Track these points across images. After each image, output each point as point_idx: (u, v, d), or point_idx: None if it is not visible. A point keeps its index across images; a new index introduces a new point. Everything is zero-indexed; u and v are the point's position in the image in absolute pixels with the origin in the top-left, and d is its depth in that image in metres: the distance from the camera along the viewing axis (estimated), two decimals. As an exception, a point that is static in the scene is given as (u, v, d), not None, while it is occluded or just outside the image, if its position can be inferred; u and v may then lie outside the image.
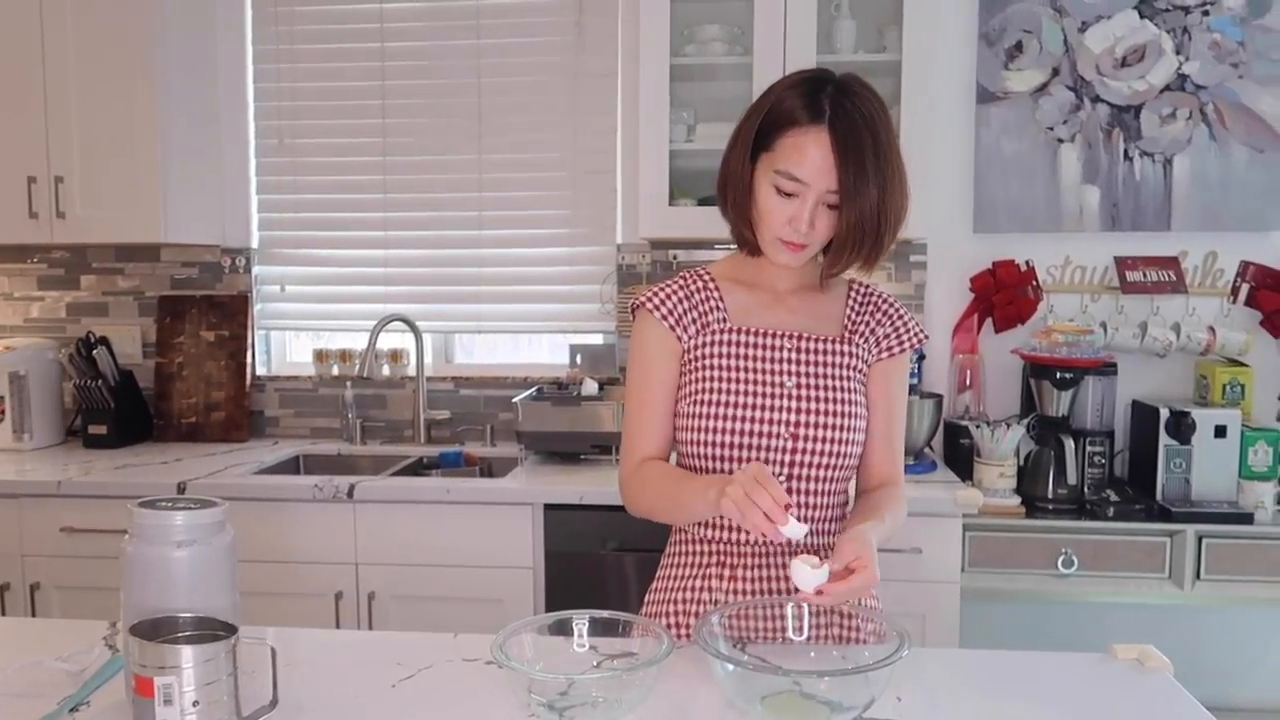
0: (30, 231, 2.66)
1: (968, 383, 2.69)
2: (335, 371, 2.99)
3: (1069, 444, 2.43)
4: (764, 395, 1.31)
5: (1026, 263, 2.68)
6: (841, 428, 1.31)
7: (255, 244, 3.00)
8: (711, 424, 1.31)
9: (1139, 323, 2.64)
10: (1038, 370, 2.53)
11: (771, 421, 1.30)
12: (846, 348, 1.35)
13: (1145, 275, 2.65)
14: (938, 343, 2.77)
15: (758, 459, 1.30)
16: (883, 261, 1.32)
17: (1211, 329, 2.61)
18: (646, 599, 1.45)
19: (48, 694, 1.11)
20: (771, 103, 1.27)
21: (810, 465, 1.31)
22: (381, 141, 2.92)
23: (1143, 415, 2.57)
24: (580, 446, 2.54)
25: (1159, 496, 2.45)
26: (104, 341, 2.86)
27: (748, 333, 1.34)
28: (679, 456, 1.39)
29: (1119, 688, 1.17)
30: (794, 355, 1.33)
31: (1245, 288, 2.64)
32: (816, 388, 1.32)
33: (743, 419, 1.30)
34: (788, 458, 1.30)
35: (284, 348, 3.14)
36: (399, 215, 2.94)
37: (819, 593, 1.11)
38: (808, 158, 1.22)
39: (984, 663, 1.26)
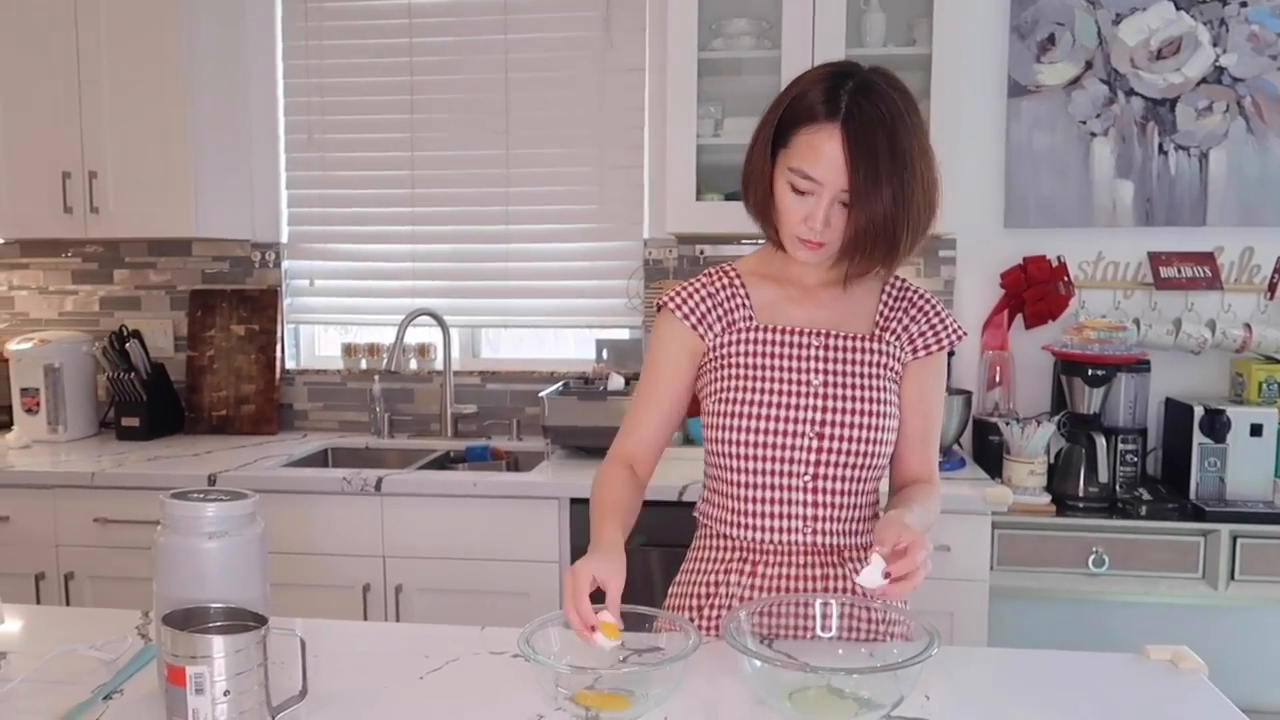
0: (64, 226, 2.69)
1: (997, 379, 2.66)
2: (363, 365, 3.01)
3: (1100, 441, 2.40)
4: (789, 394, 1.30)
5: (1058, 258, 2.65)
6: (869, 427, 1.29)
7: (285, 239, 3.02)
8: (736, 423, 1.30)
9: (1173, 319, 2.60)
10: (1069, 367, 2.50)
11: (796, 421, 1.29)
12: (877, 345, 1.33)
13: (1180, 271, 2.61)
14: (967, 339, 2.73)
15: (782, 457, 1.29)
16: (907, 261, 1.29)
17: (1248, 326, 2.56)
18: (670, 591, 1.45)
19: (82, 682, 1.12)
20: (792, 97, 1.24)
21: (836, 465, 1.29)
22: (409, 137, 2.93)
23: (1176, 413, 2.54)
24: (606, 441, 2.47)
25: (1193, 495, 2.41)
26: (136, 335, 2.90)
27: (773, 330, 1.33)
28: (706, 454, 1.39)
29: (1152, 689, 1.15)
30: (821, 353, 1.32)
31: (1283, 284, 2.59)
32: (843, 386, 1.30)
33: (767, 418, 1.29)
34: (813, 457, 1.29)
35: (313, 342, 3.16)
36: (426, 210, 2.95)
37: (888, 576, 1.10)
38: (821, 156, 1.19)
39: (1013, 662, 1.24)
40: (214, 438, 2.89)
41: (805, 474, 1.30)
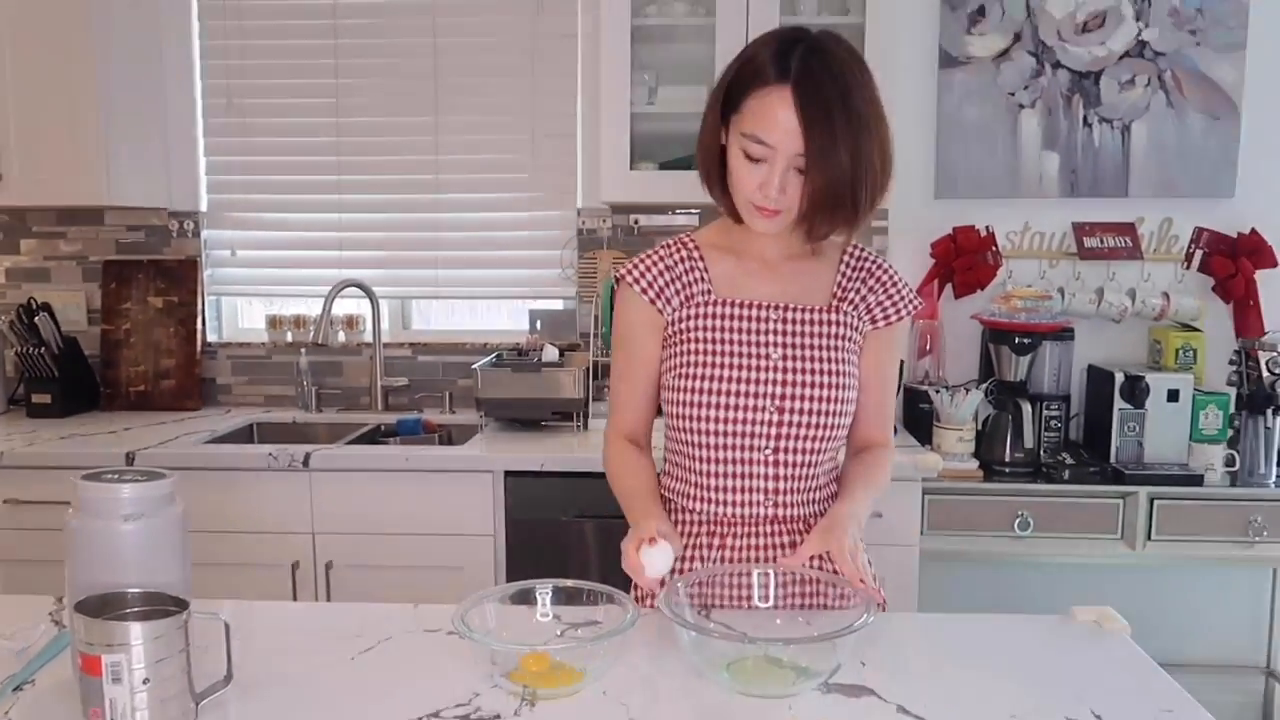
0: (-35, 193, 2.55)
1: (928, 348, 2.70)
2: (289, 338, 2.94)
3: (1026, 408, 2.46)
4: (748, 368, 1.29)
5: (986, 228, 2.69)
6: (828, 399, 1.29)
7: (204, 207, 2.92)
8: (696, 398, 1.29)
9: (1096, 288, 2.66)
10: (997, 335, 2.54)
11: (757, 395, 1.28)
12: (835, 317, 1.33)
13: (1102, 241, 2.68)
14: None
15: (743, 431, 1.29)
16: (864, 226, 1.28)
17: (1166, 295, 2.64)
18: None
19: (-10, 672, 1.07)
20: (742, 61, 1.22)
21: (797, 438, 1.29)
22: (335, 102, 2.85)
23: (1098, 380, 2.61)
24: (541, 413, 2.52)
25: (1113, 459, 2.48)
26: (46, 308, 2.77)
27: (732, 304, 1.32)
28: (667, 428, 1.38)
29: (1079, 650, 1.18)
30: (780, 326, 1.31)
31: (1199, 254, 2.67)
32: (802, 359, 1.29)
33: (727, 392, 1.28)
34: (774, 430, 1.29)
35: (236, 314, 3.07)
36: (353, 178, 2.87)
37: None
38: (773, 120, 1.17)
39: (945, 626, 1.26)
40: (132, 414, 2.79)
41: (766, 447, 1.30)
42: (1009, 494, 2.38)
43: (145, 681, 0.91)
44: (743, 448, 1.29)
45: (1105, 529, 2.37)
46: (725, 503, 1.32)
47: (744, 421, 1.28)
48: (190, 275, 2.88)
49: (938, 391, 2.47)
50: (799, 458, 1.30)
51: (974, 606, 2.46)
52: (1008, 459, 2.47)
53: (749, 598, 1.24)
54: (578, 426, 2.53)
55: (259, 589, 2.28)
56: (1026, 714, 1.00)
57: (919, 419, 2.58)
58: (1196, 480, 2.38)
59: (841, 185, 1.18)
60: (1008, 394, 2.51)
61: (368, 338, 2.90)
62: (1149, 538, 2.36)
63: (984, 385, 2.52)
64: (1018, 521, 2.36)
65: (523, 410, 2.51)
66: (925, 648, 1.19)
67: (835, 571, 1.20)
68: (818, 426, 1.29)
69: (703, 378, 1.29)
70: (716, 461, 1.31)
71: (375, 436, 2.67)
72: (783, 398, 1.28)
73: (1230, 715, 2.67)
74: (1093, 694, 1.05)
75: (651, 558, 1.16)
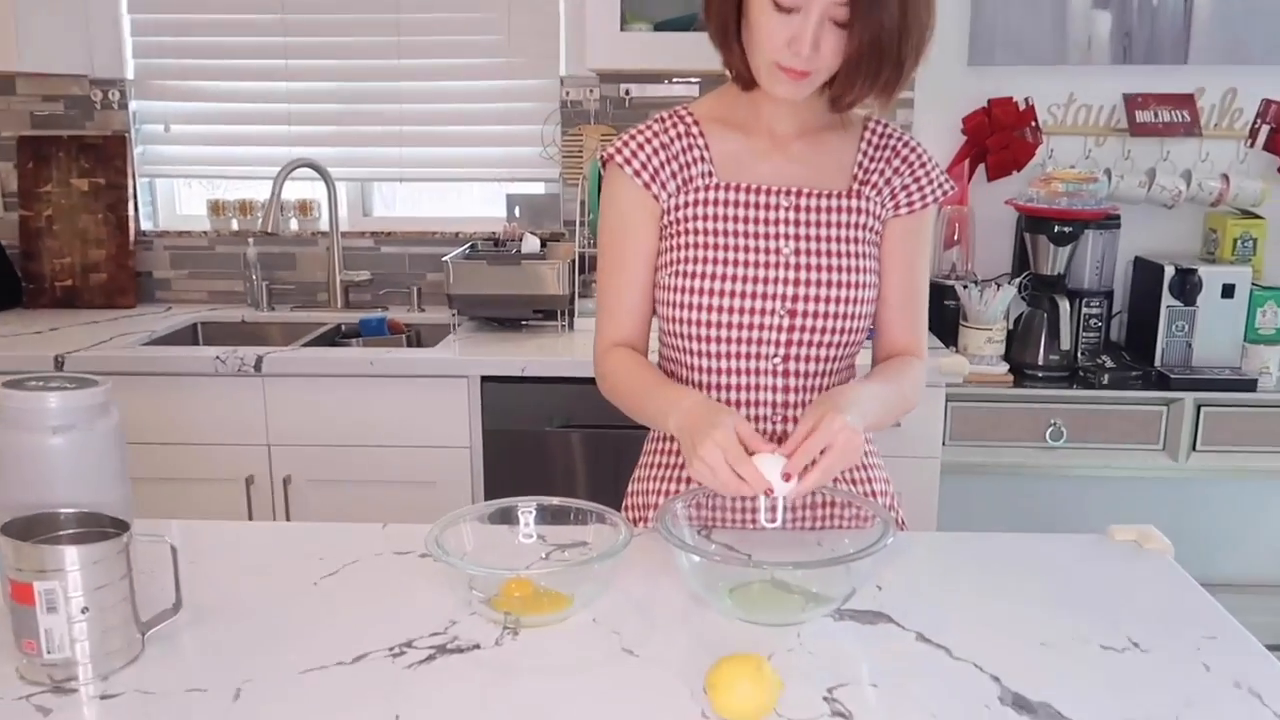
0: None
1: (955, 237, 2.68)
2: (234, 226, 2.91)
3: (1064, 305, 2.45)
4: (755, 264, 1.26)
5: (1026, 100, 2.64)
6: (847, 300, 1.26)
7: (130, 74, 2.84)
8: (694, 299, 1.26)
9: (1147, 170, 2.63)
10: (1033, 223, 2.52)
11: (765, 296, 1.25)
12: (856, 203, 1.29)
13: (1156, 115, 2.63)
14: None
15: (750, 338, 1.27)
16: (902, 93, 1.22)
17: (1225, 177, 2.61)
18: (629, 490, 1.44)
19: (-87, 600, 1.08)
20: None
21: (811, 344, 1.27)
22: (277, -50, 2.75)
23: (1145, 273, 2.59)
24: (521, 311, 2.50)
25: (1157, 362, 2.49)
26: (-44, 191, 2.72)
27: (737, 189, 1.28)
28: (660, 333, 1.36)
29: (1115, 571, 1.19)
30: (792, 215, 1.27)
31: (1265, 130, 2.63)
32: (817, 253, 1.26)
33: (730, 293, 1.25)
34: (784, 336, 1.27)
35: (173, 199, 3.02)
36: (304, 41, 2.79)
37: (786, 479, 1.07)
38: None
39: (969, 546, 1.27)
40: (59, 312, 2.77)
41: (775, 355, 1.28)
42: (1041, 400, 2.39)
43: (84, 610, 0.91)
44: (749, 356, 1.28)
45: (1146, 439, 2.40)
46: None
47: (750, 326, 1.26)
48: (118, 153, 2.82)
49: (965, 287, 2.46)
50: (813, 366, 1.29)
51: (1001, 525, 2.51)
52: (1041, 362, 2.48)
53: (754, 517, 1.24)
54: (562, 326, 2.52)
55: (209, 507, 2.30)
56: (1058, 641, 1.02)
57: (944, 317, 2.57)
58: (1249, 385, 2.40)
59: (889, 40, 1.12)
60: (1043, 290, 2.50)
61: (324, 226, 2.87)
62: (1194, 448, 2.39)
63: (1017, 280, 2.51)
64: (1050, 431, 2.38)
65: (500, 308, 2.50)
66: (947, 570, 1.20)
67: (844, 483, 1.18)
68: (834, 331, 1.27)
69: (701, 275, 1.26)
70: (718, 373, 1.29)
71: (335, 338, 2.67)
72: (795, 299, 1.26)
73: (1278, 637, 2.75)
74: (1130, 619, 1.06)
75: (766, 466, 1.07)
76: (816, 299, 1.26)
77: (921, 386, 1.33)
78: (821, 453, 1.08)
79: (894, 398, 1.26)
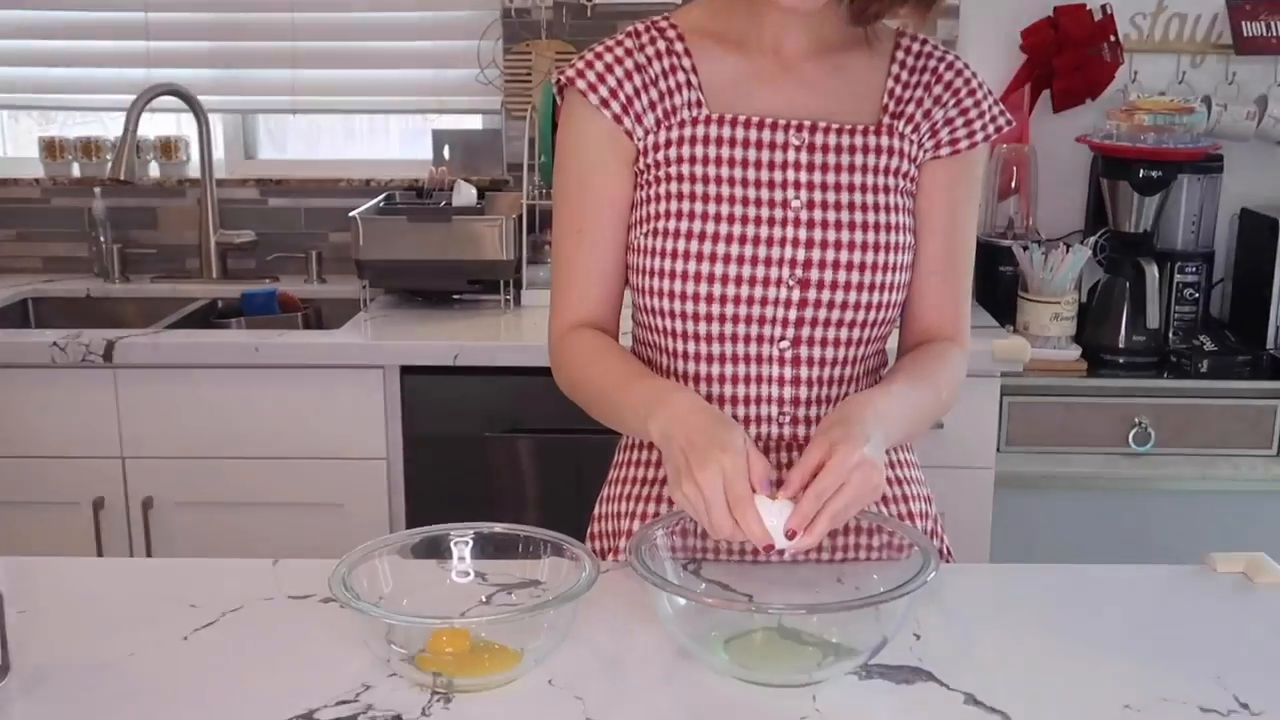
0: None
1: (1013, 185, 2.69)
2: (76, 172, 2.90)
3: (1151, 272, 2.47)
4: (758, 221, 1.25)
5: (1103, 8, 2.65)
6: (874, 266, 1.26)
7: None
8: (677, 266, 1.26)
9: (1257, 97, 2.65)
10: (1112, 166, 2.53)
11: (769, 262, 1.25)
12: (885, 141, 1.29)
13: (1270, 28, 2.65)
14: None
15: (749, 316, 1.26)
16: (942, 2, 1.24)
17: (1357, 106, 2.64)
18: (594, 513, 1.44)
19: None
20: None
21: (829, 324, 1.27)
22: None
23: (1255, 230, 2.62)
24: (453, 282, 2.50)
25: (1270, 344, 2.52)
26: None
27: (733, 124, 1.27)
28: (634, 310, 1.36)
29: (1218, 612, 1.20)
30: (804, 157, 1.27)
31: (1407, 46, 2.66)
32: (837, 206, 1.26)
33: (725, 258, 1.25)
34: (794, 314, 1.27)
35: (-6, 136, 3.01)
36: (162, -71, 2.78)
37: (790, 535, 1.05)
38: None
39: (1031, 581, 1.28)
40: None
41: (782, 340, 1.28)
42: (1122, 394, 2.41)
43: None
44: (747, 339, 1.28)
45: (1256, 442, 2.42)
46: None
47: (750, 301, 1.26)
48: (-79, 78, 2.80)
49: (1025, 248, 2.47)
50: (830, 354, 1.29)
51: (1071, 554, 2.52)
52: (1122, 345, 2.49)
53: (755, 546, 1.25)
54: (506, 302, 2.52)
55: (48, 538, 2.29)
56: (1146, 703, 1.02)
57: (998, 287, 2.59)
58: (1387, 373, 2.43)
59: None
60: (1125, 251, 2.52)
61: (194, 172, 2.87)
62: (1318, 454, 2.42)
63: (1092, 239, 2.52)
64: (1134, 433, 2.40)
65: (426, 278, 2.50)
66: (1003, 613, 1.20)
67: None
68: (859, 307, 1.27)
69: (686, 235, 1.26)
70: (709, 360, 1.29)
71: (209, 318, 2.66)
72: (807, 265, 1.26)
73: None
74: (1237, 673, 1.07)
75: (767, 512, 1.06)
76: (835, 265, 1.26)
77: (960, 383, 1.34)
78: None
79: (927, 404, 1.27)
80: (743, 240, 1.25)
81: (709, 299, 1.26)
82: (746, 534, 1.06)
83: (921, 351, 1.33)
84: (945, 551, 1.44)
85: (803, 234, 1.26)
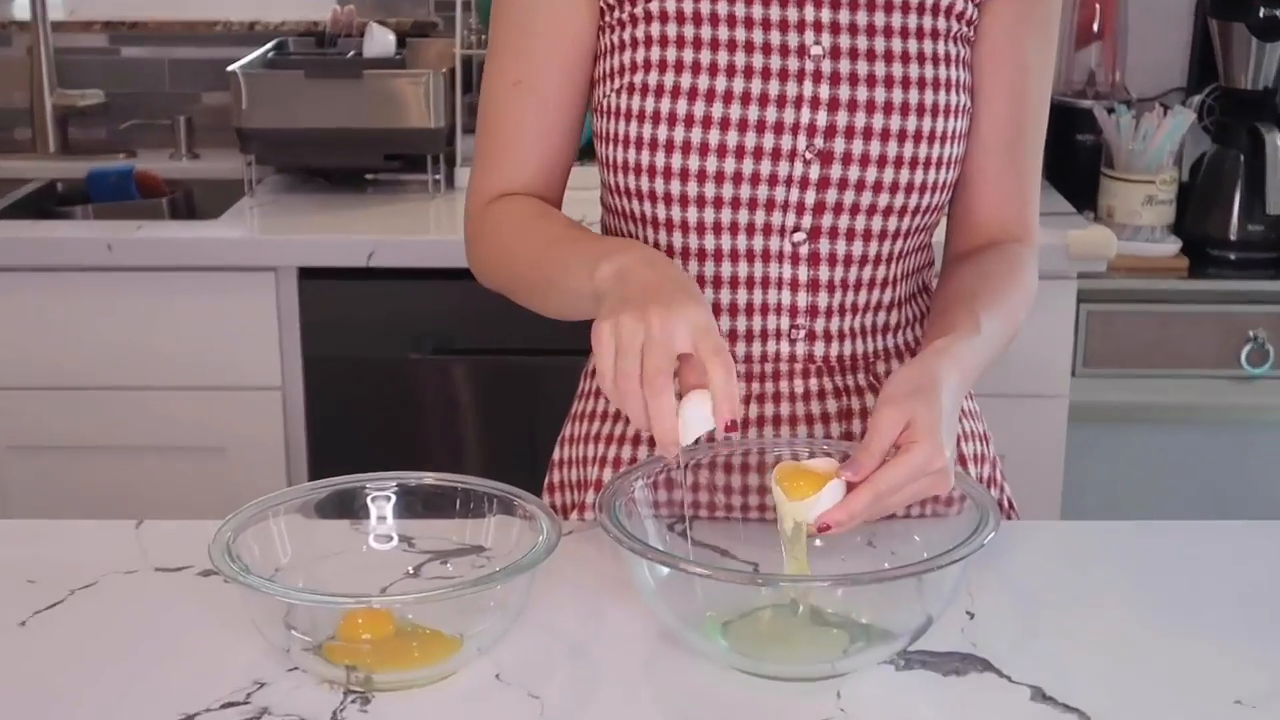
0: None
1: (1096, 29, 2.68)
2: None
3: (1273, 142, 2.46)
4: (765, 75, 1.25)
5: None
6: (918, 136, 1.26)
7: None
8: (658, 133, 1.26)
9: None
10: (1223, 5, 2.53)
11: (780, 128, 1.25)
12: None
13: None
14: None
15: (752, 199, 1.26)
16: None
17: None
18: (553, 458, 1.45)
19: None
20: None
21: (856, 211, 1.27)
22: None
23: (1406, 87, 2.62)
24: (365, 158, 2.50)
25: None
26: None
27: None
28: (604, 193, 1.36)
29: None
30: None
31: None
32: (869, 56, 1.26)
33: (721, 123, 1.25)
34: (811, 197, 1.27)
35: None
36: None
37: (823, 528, 1.04)
38: None
39: (1114, 542, 1.30)
40: None
41: (795, 230, 1.28)
42: (1234, 299, 2.43)
43: None
44: (751, 230, 1.28)
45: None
46: None
47: (754, 180, 1.26)
48: None
49: (1111, 111, 2.47)
50: (859, 250, 1.30)
51: (1165, 507, 2.54)
52: (1234, 237, 2.51)
53: (760, 502, 1.25)
54: (435, 183, 2.52)
55: None
56: (1261, 698, 1.03)
57: (1075, 162, 2.59)
58: None
59: None
60: (1240, 116, 2.52)
61: (21, 12, 2.86)
62: None
63: (1196, 99, 2.51)
64: (1248, 351, 2.41)
65: (330, 153, 2.50)
66: (1078, 583, 1.22)
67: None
68: (894, 190, 1.27)
69: (672, 93, 1.26)
70: (700, 258, 1.30)
71: (45, 204, 2.66)
72: (830, 133, 1.26)
73: None
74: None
75: (692, 412, 1.04)
76: (866, 134, 1.26)
77: (1033, 290, 1.34)
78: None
79: (1002, 346, 1.28)
80: (745, 99, 1.25)
81: (700, 177, 1.26)
82: (656, 425, 1.03)
83: (992, 260, 1.33)
84: (1006, 505, 1.45)
85: (824, 91, 1.25)
